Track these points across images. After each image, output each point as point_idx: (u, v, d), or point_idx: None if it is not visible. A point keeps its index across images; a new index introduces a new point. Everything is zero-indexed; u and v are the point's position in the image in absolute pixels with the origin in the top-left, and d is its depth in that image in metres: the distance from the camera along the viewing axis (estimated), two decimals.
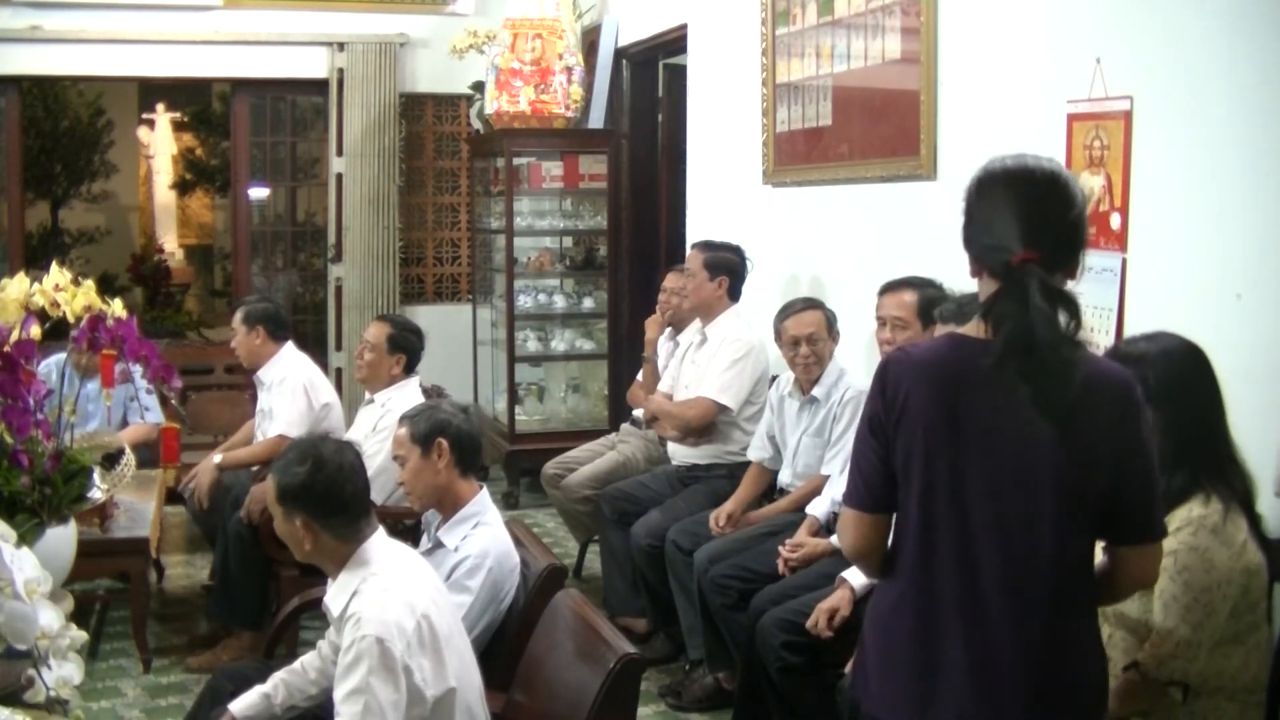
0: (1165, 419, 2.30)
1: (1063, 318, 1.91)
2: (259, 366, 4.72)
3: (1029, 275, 1.91)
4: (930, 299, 3.62)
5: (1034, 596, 1.95)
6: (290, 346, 4.76)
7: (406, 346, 4.40)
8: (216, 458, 4.61)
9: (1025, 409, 1.91)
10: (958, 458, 1.97)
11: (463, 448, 3.04)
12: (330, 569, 2.53)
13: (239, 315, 4.75)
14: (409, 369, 4.42)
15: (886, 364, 2.09)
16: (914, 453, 1.99)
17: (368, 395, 4.52)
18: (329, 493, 2.47)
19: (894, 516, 2.06)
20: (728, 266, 4.55)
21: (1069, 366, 1.89)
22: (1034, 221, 1.96)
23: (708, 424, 4.44)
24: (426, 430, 3.04)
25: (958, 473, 1.96)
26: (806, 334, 3.94)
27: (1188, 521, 2.27)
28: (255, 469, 4.52)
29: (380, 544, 2.54)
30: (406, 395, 4.31)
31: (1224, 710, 2.32)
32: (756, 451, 4.23)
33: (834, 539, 3.58)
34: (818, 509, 3.80)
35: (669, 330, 5.06)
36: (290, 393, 4.54)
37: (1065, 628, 1.98)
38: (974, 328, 2.01)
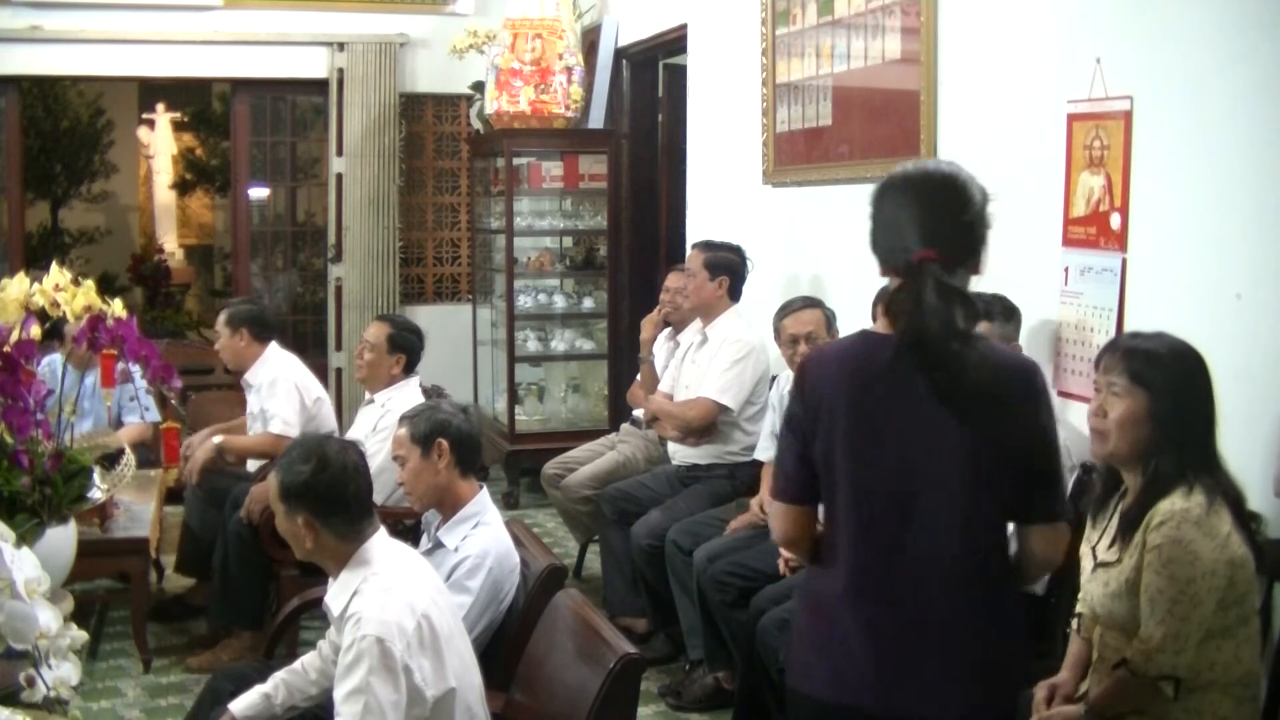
0: (1160, 414, 2.35)
1: (960, 313, 2.01)
2: (245, 369, 4.72)
3: (925, 273, 2.03)
4: None
5: (948, 577, 2.06)
6: (275, 346, 4.74)
7: (406, 346, 4.40)
8: (216, 439, 4.57)
9: (927, 399, 2.03)
10: (870, 448, 2.08)
11: (463, 448, 3.05)
12: (331, 568, 2.54)
13: (222, 318, 4.74)
14: (409, 369, 4.43)
15: (804, 364, 2.23)
16: (831, 446, 2.11)
17: (368, 395, 4.52)
18: (331, 492, 2.47)
19: (819, 507, 2.19)
20: (728, 266, 4.55)
21: (959, 359, 2.00)
22: (931, 222, 2.08)
23: (708, 424, 4.44)
24: (426, 430, 3.04)
25: (871, 462, 2.08)
26: (805, 332, 3.94)
27: (1170, 515, 2.28)
28: (256, 469, 4.52)
29: (381, 544, 2.54)
30: (406, 395, 4.31)
31: (1219, 704, 2.32)
32: (764, 452, 4.22)
33: None
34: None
35: (669, 330, 5.06)
36: (284, 393, 4.54)
37: (979, 606, 2.08)
38: (882, 323, 2.12)
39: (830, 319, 4.07)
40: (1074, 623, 2.64)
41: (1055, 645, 2.67)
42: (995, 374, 2.05)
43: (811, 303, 4.10)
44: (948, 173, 2.15)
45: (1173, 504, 2.29)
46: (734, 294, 4.59)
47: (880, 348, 2.08)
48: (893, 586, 2.07)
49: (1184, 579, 2.25)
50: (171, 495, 4.78)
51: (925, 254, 2.04)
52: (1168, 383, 2.36)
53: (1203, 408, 2.37)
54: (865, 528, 2.10)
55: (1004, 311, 3.20)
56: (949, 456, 2.05)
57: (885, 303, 2.11)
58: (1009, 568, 2.15)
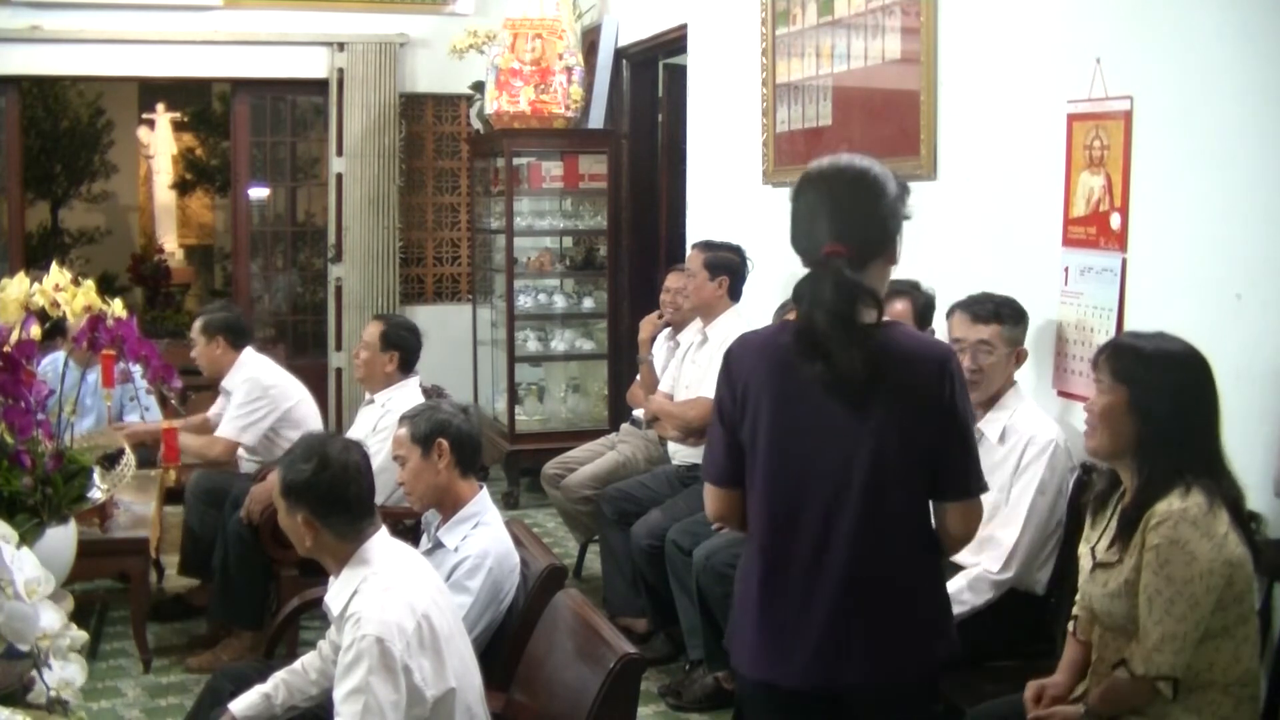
0: (1142, 410, 2.36)
1: (861, 306, 2.09)
2: (221, 376, 4.72)
3: (829, 267, 2.11)
4: (925, 303, 3.63)
5: (868, 552, 2.14)
6: (250, 352, 4.73)
7: (399, 343, 4.39)
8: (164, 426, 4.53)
9: (823, 386, 2.13)
10: (788, 434, 2.17)
11: (463, 448, 3.05)
12: (331, 566, 2.54)
13: (198, 325, 4.73)
14: (405, 367, 4.41)
15: (729, 353, 2.30)
16: (754, 431, 2.20)
17: (367, 395, 4.52)
18: (332, 492, 2.48)
19: (744, 490, 2.26)
20: (728, 266, 4.55)
21: (847, 352, 2.07)
22: (841, 217, 2.14)
23: (708, 424, 4.43)
24: (427, 431, 3.04)
25: (789, 447, 2.17)
26: None
27: (1168, 515, 2.28)
28: (256, 470, 4.52)
29: (382, 544, 2.54)
30: (406, 395, 4.31)
31: (1218, 704, 2.32)
32: None
33: None
34: None
35: (669, 330, 5.06)
36: (242, 394, 4.55)
37: (892, 580, 2.16)
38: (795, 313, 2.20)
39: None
40: (1070, 624, 2.64)
41: (1055, 645, 2.67)
42: (903, 358, 2.13)
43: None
44: (860, 168, 2.19)
45: (1170, 504, 2.29)
46: (734, 294, 4.59)
47: (787, 335, 2.18)
48: (817, 568, 2.15)
49: (1182, 579, 2.25)
50: (171, 495, 4.77)
51: (833, 249, 2.12)
52: (1150, 379, 2.38)
53: (1199, 408, 2.36)
54: (785, 510, 2.18)
55: (1013, 315, 3.20)
56: (860, 440, 2.12)
57: (794, 293, 2.19)
58: (926, 542, 2.22)
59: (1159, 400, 2.36)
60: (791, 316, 2.22)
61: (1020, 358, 3.21)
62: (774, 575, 2.19)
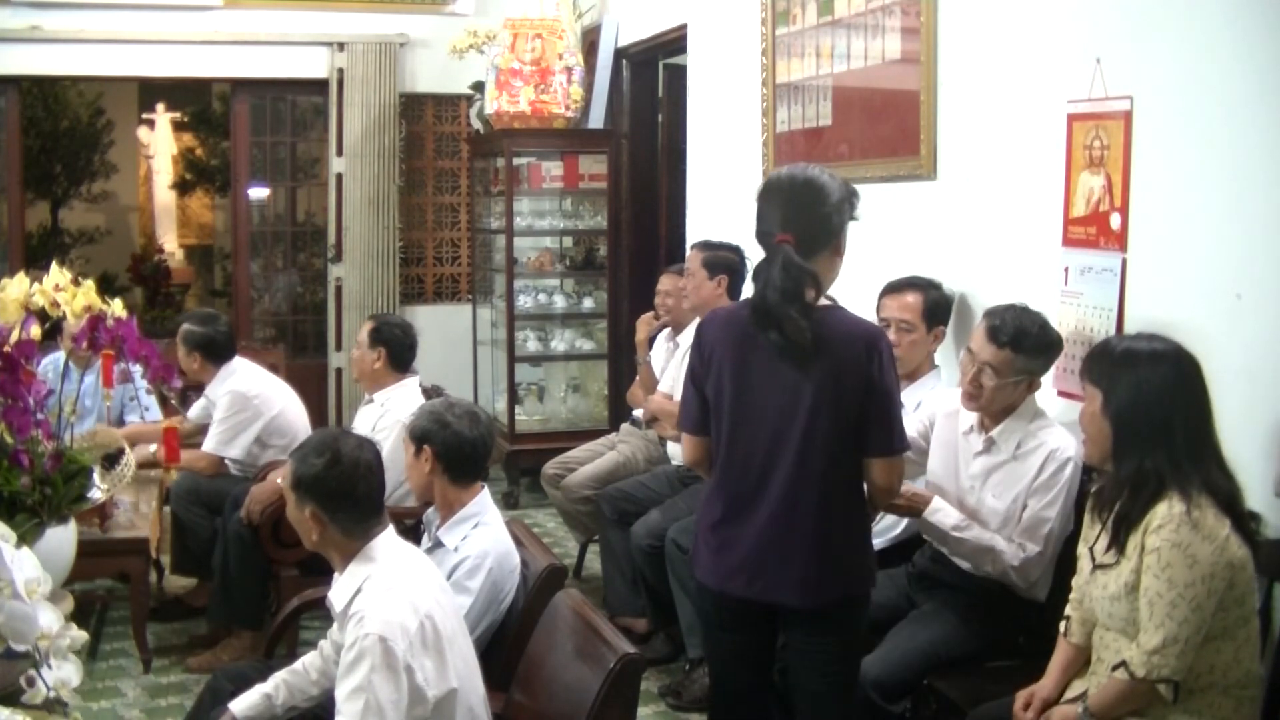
0: (1116, 413, 2.38)
1: (805, 288, 2.52)
2: (204, 384, 4.72)
3: (779, 253, 2.54)
4: (937, 300, 3.62)
5: (798, 494, 2.58)
6: (236, 361, 4.70)
7: (387, 339, 4.36)
8: (152, 448, 4.52)
9: (774, 353, 2.56)
10: (743, 391, 2.63)
11: (450, 458, 3.02)
12: (336, 562, 2.54)
13: (179, 334, 4.69)
14: (397, 365, 4.39)
15: (701, 324, 2.79)
16: (719, 389, 2.67)
17: (367, 395, 4.52)
18: (341, 488, 2.48)
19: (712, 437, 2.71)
20: (727, 266, 4.53)
21: (795, 322, 2.50)
22: (790, 214, 2.58)
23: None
24: (416, 434, 3.05)
25: (744, 402, 2.63)
26: None
27: (1168, 518, 2.28)
28: (256, 470, 4.52)
29: (388, 543, 2.54)
30: (405, 395, 4.31)
31: (1219, 705, 2.32)
32: None
33: None
34: None
35: (668, 331, 5.06)
36: (224, 408, 4.54)
37: (823, 519, 2.59)
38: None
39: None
40: (1062, 626, 2.63)
41: (1054, 646, 2.67)
42: (839, 336, 2.56)
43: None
44: (809, 175, 2.63)
45: (1171, 507, 2.29)
46: (734, 293, 4.57)
47: (745, 310, 2.63)
48: (760, 502, 2.61)
49: (1183, 582, 2.25)
50: (170, 495, 4.77)
51: (782, 238, 2.55)
52: (1116, 379, 2.39)
53: (1185, 409, 2.36)
54: (739, 453, 2.64)
55: (1033, 347, 3.02)
56: (800, 400, 2.56)
57: (753, 274, 2.61)
58: (850, 491, 2.65)
59: (1125, 399, 2.38)
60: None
61: (1033, 386, 3.09)
62: (727, 503, 2.67)
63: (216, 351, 4.64)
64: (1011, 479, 3.05)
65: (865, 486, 2.68)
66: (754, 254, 4.64)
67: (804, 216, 2.57)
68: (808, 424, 2.56)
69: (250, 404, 4.56)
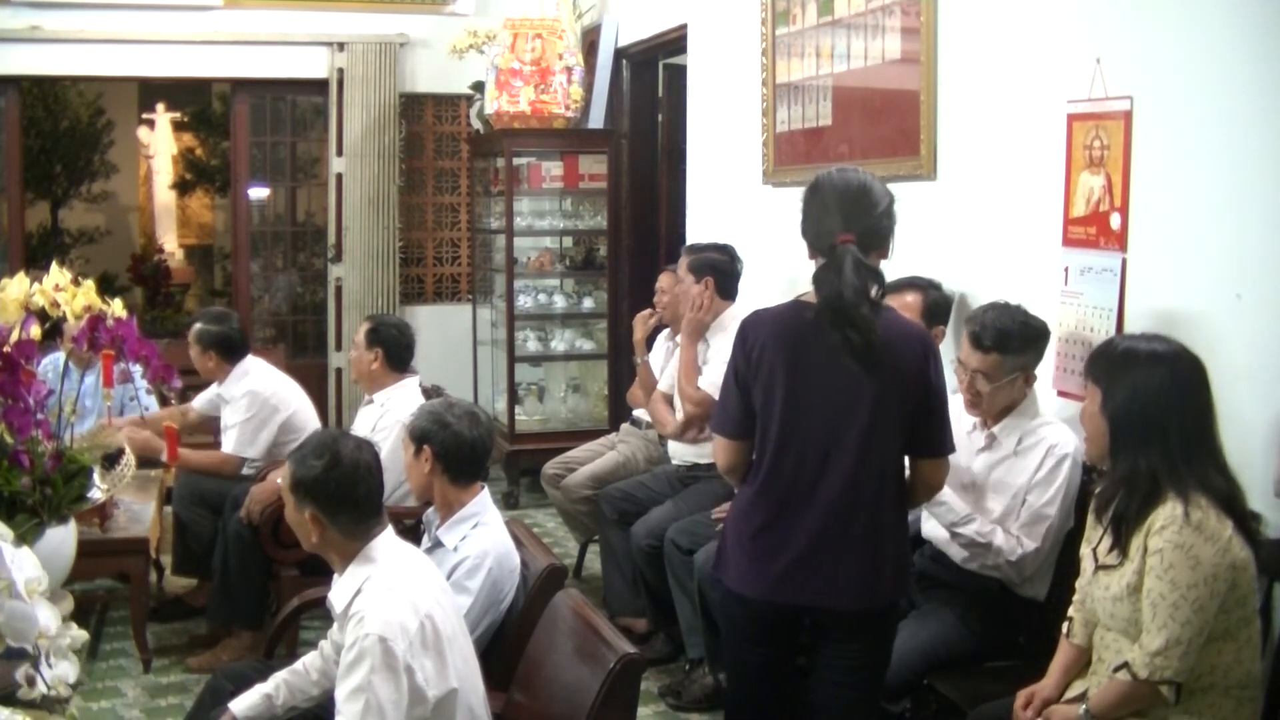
0: (1114, 412, 2.38)
1: (873, 287, 2.52)
2: (216, 382, 4.71)
3: (845, 253, 2.51)
4: (936, 300, 3.62)
5: (855, 496, 2.55)
6: (251, 359, 4.70)
7: (383, 340, 4.36)
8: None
9: (840, 354, 2.51)
10: (797, 393, 2.58)
11: (449, 459, 3.02)
12: (336, 563, 2.54)
13: (192, 333, 4.68)
14: (395, 365, 4.39)
15: (744, 325, 2.70)
16: (768, 392, 2.60)
17: (366, 396, 4.52)
18: (341, 490, 2.48)
19: (754, 441, 2.66)
20: (711, 266, 4.48)
21: (868, 321, 2.48)
22: (850, 215, 2.56)
23: (707, 417, 4.41)
24: (416, 434, 3.05)
25: (797, 404, 2.58)
26: None
27: (1171, 520, 2.28)
28: (255, 470, 4.52)
29: (388, 543, 2.54)
30: (405, 395, 4.31)
31: (1219, 706, 2.32)
32: None
33: None
34: None
35: (668, 331, 5.05)
36: (244, 409, 4.54)
37: (878, 520, 2.57)
38: (809, 294, 2.59)
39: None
40: (1065, 626, 2.63)
41: (1055, 647, 2.67)
42: (896, 337, 2.55)
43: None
44: (862, 179, 2.62)
45: (1174, 509, 2.28)
46: (725, 292, 4.51)
47: (806, 311, 2.58)
48: (812, 504, 2.56)
49: (1186, 584, 2.25)
50: (171, 495, 4.77)
51: (845, 238, 2.53)
52: (1114, 378, 2.40)
53: (1182, 411, 2.36)
54: (791, 456, 2.58)
55: (1019, 345, 3.04)
56: (860, 401, 2.54)
57: (814, 277, 2.57)
58: (899, 494, 2.64)
59: (1122, 398, 2.38)
60: (805, 297, 2.61)
61: (1027, 380, 3.11)
62: (775, 508, 2.59)
63: (232, 350, 4.65)
64: (1012, 474, 3.05)
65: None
66: (755, 253, 4.71)
67: (864, 219, 2.57)
68: (868, 424, 2.54)
69: (268, 403, 4.57)
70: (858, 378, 2.53)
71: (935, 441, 2.64)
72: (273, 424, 4.56)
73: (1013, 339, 3.02)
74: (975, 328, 3.06)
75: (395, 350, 4.39)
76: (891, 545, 2.61)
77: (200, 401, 4.86)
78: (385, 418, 4.24)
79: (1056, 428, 3.07)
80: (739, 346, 2.67)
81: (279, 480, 4.30)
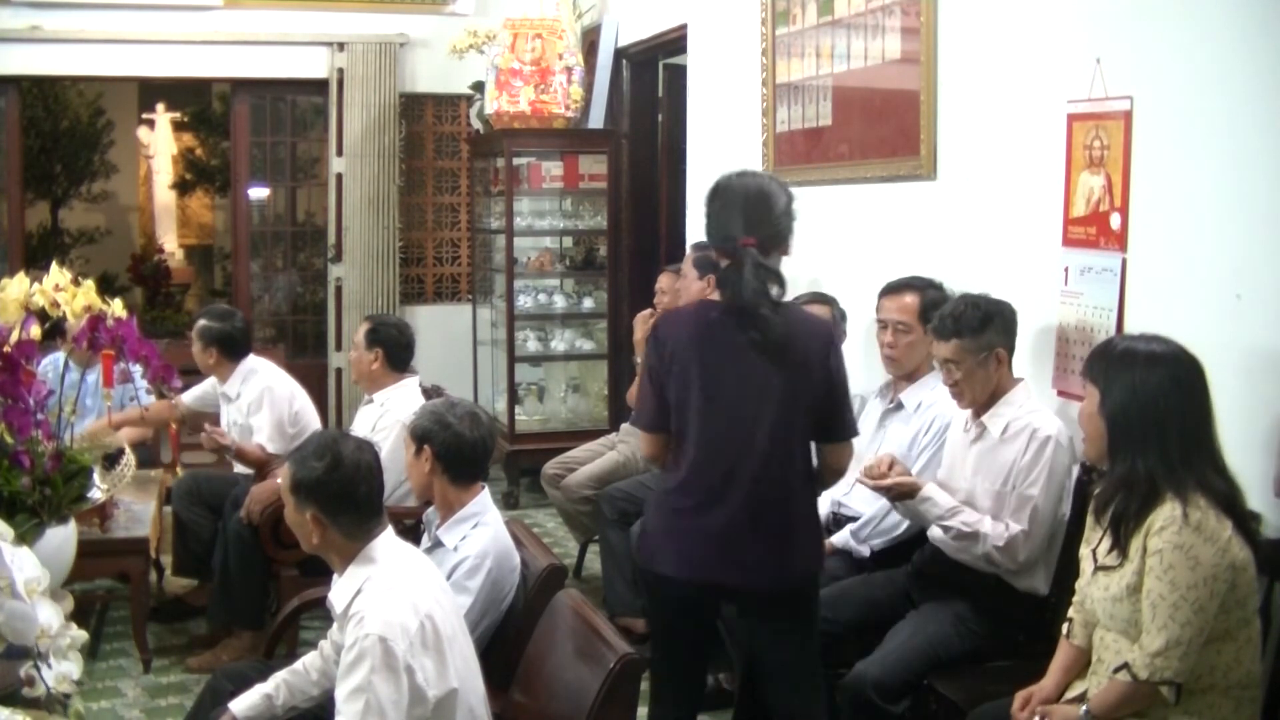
0: (1111, 412, 2.38)
1: (772, 287, 2.73)
2: (218, 378, 4.72)
3: (747, 255, 2.72)
4: (932, 301, 3.62)
5: (767, 481, 2.73)
6: (253, 359, 4.70)
7: (382, 340, 4.37)
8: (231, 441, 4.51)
9: (747, 350, 2.72)
10: (709, 387, 2.76)
11: (449, 459, 3.02)
12: (336, 564, 2.54)
13: (195, 329, 4.69)
14: (395, 365, 4.39)
15: (657, 325, 2.93)
16: (681, 387, 2.78)
17: (366, 395, 4.52)
18: (342, 491, 2.48)
19: (670, 433, 2.83)
20: (714, 265, 4.50)
21: (767, 320, 2.69)
22: (751, 219, 2.77)
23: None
24: (417, 434, 3.05)
25: (710, 397, 2.76)
26: None
27: (1171, 520, 2.27)
28: (254, 470, 4.52)
29: (388, 543, 2.54)
30: (405, 395, 4.31)
31: (1219, 706, 2.32)
32: None
33: (835, 538, 3.58)
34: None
35: None
36: (267, 406, 4.55)
37: (789, 503, 2.77)
38: (715, 293, 2.83)
39: (838, 315, 4.07)
40: (1065, 627, 2.63)
41: (1055, 646, 2.67)
42: (798, 332, 2.76)
43: (820, 298, 4.10)
44: (762, 183, 2.83)
45: (1173, 510, 2.28)
46: None
47: (713, 311, 2.80)
48: (731, 491, 2.73)
49: (1185, 584, 2.25)
50: (171, 495, 4.77)
51: (747, 241, 2.74)
52: (1113, 379, 2.40)
53: (1180, 413, 2.35)
54: (710, 446, 2.75)
55: (976, 325, 3.07)
56: (768, 393, 2.73)
57: (717, 277, 2.78)
58: (808, 477, 2.83)
59: (1120, 399, 2.38)
60: (711, 295, 2.84)
61: (1000, 359, 3.12)
62: (698, 494, 2.77)
63: (234, 347, 4.65)
64: (1000, 462, 3.07)
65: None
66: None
67: (764, 222, 2.77)
68: (776, 414, 2.73)
69: (287, 398, 4.61)
70: (764, 371, 2.72)
71: (837, 426, 2.83)
72: (289, 416, 4.59)
73: (966, 320, 3.09)
74: (934, 323, 3.17)
75: (395, 350, 4.39)
76: (803, 526, 2.81)
77: (190, 397, 4.85)
78: (385, 417, 4.25)
79: (1041, 414, 3.10)
80: (653, 346, 2.86)
81: (279, 480, 4.31)
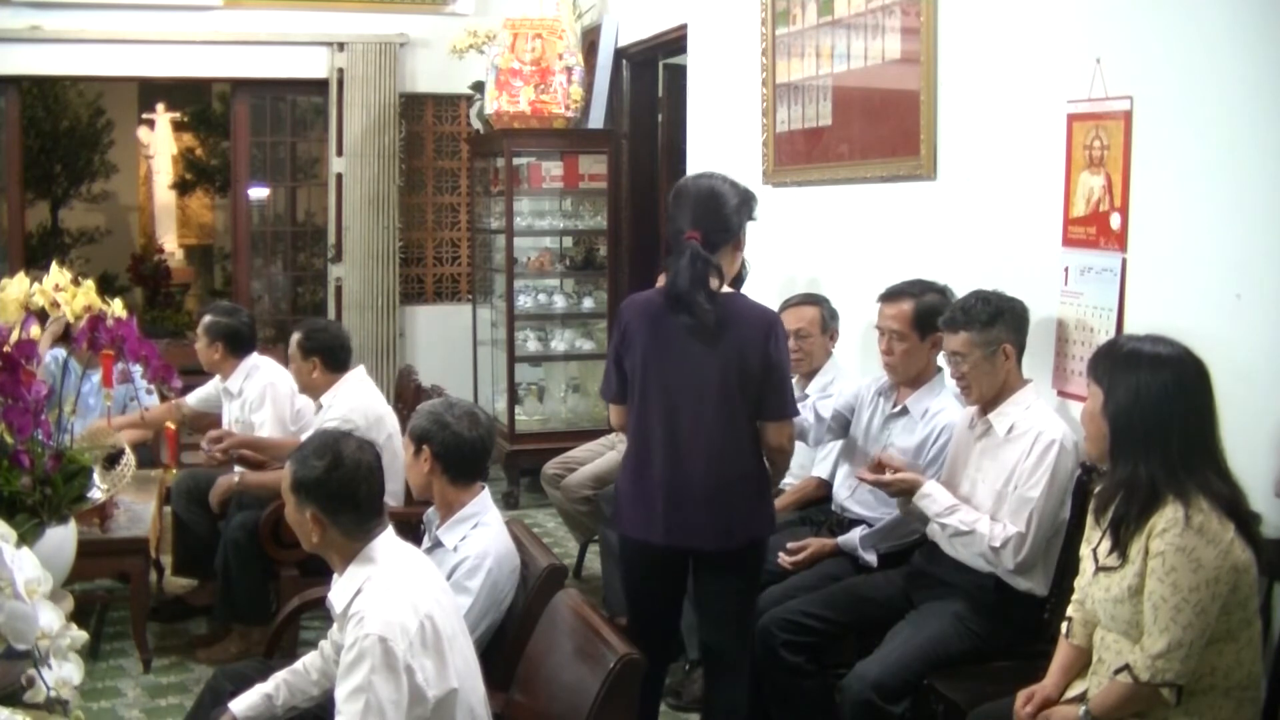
0: (1114, 413, 2.38)
1: (711, 278, 2.97)
2: (221, 375, 4.72)
3: (688, 247, 2.98)
4: (929, 306, 3.59)
5: (710, 452, 3.00)
6: (257, 356, 4.70)
7: (317, 346, 4.33)
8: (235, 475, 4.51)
9: (683, 332, 3.00)
10: (657, 365, 3.04)
11: (448, 459, 3.01)
12: (336, 563, 2.54)
13: (201, 325, 4.69)
14: (332, 366, 4.33)
15: (621, 308, 3.20)
16: (637, 364, 3.07)
17: (315, 404, 4.48)
18: (342, 490, 2.48)
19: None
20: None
21: (701, 307, 2.95)
22: (697, 215, 3.03)
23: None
24: (416, 434, 3.04)
25: (658, 374, 3.04)
26: (794, 329, 3.94)
27: (1173, 522, 2.27)
28: (221, 463, 4.51)
29: (388, 543, 2.54)
30: (348, 389, 4.29)
31: (1220, 707, 2.32)
32: (823, 466, 4.18)
33: (840, 540, 3.57)
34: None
35: None
36: (270, 403, 4.55)
37: (730, 472, 3.02)
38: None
39: (827, 318, 4.07)
40: (1064, 626, 2.63)
41: (1055, 646, 2.67)
42: (736, 320, 3.00)
43: (810, 299, 4.11)
44: (713, 183, 3.09)
45: (1176, 511, 2.28)
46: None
47: (661, 296, 3.06)
48: (678, 460, 3.02)
49: (1187, 586, 2.24)
50: (171, 495, 4.77)
51: (691, 234, 3.00)
52: (1118, 379, 2.39)
53: (1183, 416, 2.35)
54: (654, 419, 3.05)
55: (986, 319, 3.10)
56: (708, 372, 2.99)
57: (662, 267, 3.00)
58: (753, 449, 3.07)
59: (1123, 401, 2.37)
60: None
61: (1008, 354, 3.12)
62: (644, 464, 3.07)
63: (239, 343, 4.65)
64: (1002, 461, 3.06)
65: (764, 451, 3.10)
66: (755, 254, 4.70)
67: (710, 218, 3.02)
68: (716, 393, 2.98)
69: (285, 396, 4.60)
70: (700, 353, 2.99)
71: (775, 406, 3.05)
72: (290, 420, 4.60)
73: (975, 314, 3.11)
74: (946, 315, 3.19)
75: (331, 352, 4.34)
76: (744, 493, 3.05)
77: (194, 399, 4.85)
78: (329, 415, 4.16)
79: (1047, 416, 3.09)
80: (616, 325, 3.17)
81: (235, 478, 4.31)
